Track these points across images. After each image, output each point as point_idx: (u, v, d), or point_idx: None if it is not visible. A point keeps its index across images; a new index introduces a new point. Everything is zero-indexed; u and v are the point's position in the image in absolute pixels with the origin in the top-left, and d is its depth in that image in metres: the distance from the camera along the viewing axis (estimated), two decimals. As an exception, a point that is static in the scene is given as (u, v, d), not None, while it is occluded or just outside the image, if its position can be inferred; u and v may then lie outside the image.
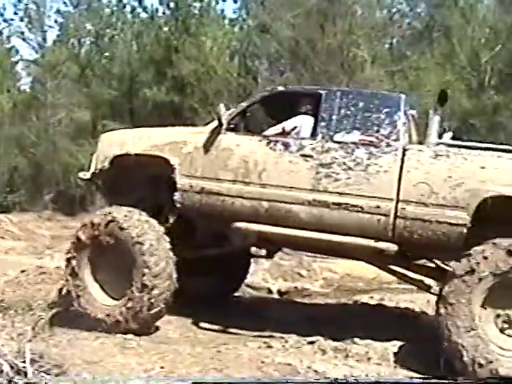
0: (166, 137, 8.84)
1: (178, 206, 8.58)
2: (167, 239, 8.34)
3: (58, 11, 33.58)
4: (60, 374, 6.49)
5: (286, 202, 8.03)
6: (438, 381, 6.52)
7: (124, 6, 33.46)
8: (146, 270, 8.00)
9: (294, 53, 22.02)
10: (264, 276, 12.77)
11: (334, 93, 8.32)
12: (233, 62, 27.01)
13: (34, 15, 32.76)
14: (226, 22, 30.70)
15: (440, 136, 8.56)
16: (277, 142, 8.24)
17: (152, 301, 8.01)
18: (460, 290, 6.99)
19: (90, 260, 8.51)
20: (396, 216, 7.60)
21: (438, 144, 7.91)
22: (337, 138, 8.01)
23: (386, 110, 7.99)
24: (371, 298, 10.84)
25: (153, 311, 8.08)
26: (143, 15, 32.21)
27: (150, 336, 8.20)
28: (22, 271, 11.30)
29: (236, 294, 11.47)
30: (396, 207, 7.60)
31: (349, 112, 8.10)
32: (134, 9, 33.04)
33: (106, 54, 32.62)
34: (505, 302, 7.04)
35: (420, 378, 6.72)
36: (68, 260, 8.62)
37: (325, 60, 20.85)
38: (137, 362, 6.94)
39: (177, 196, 8.54)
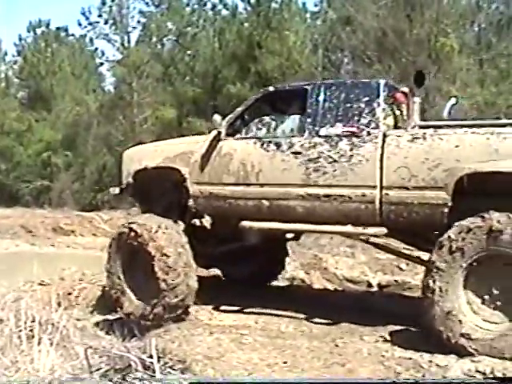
0: (176, 148, 9.59)
1: (193, 211, 9.30)
2: (188, 248, 8.87)
3: (140, 12, 34.28)
4: (184, 370, 6.63)
5: (283, 199, 8.48)
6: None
7: (205, 4, 33.96)
8: (165, 276, 8.54)
9: (380, 44, 21.74)
10: (362, 269, 12.73)
11: (318, 87, 8.62)
12: (316, 55, 26.88)
13: (118, 17, 33.41)
14: (308, 15, 30.72)
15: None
16: (269, 142, 8.66)
17: (172, 305, 8.57)
18: (442, 268, 7.17)
19: (123, 263, 9.14)
20: (381, 202, 7.85)
21: (418, 126, 8.12)
22: (322, 132, 8.34)
23: (365, 99, 8.22)
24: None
25: (173, 313, 8.61)
26: (224, 12, 32.50)
27: (264, 331, 8.29)
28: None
29: (339, 288, 11.50)
30: (380, 193, 7.85)
31: (332, 105, 8.42)
32: (214, 6, 33.44)
33: (189, 51, 32.96)
34: (488, 277, 7.11)
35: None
36: (107, 261, 9.30)
37: (412, 50, 20.56)
38: (258, 357, 7.01)
39: (190, 202, 9.25)
